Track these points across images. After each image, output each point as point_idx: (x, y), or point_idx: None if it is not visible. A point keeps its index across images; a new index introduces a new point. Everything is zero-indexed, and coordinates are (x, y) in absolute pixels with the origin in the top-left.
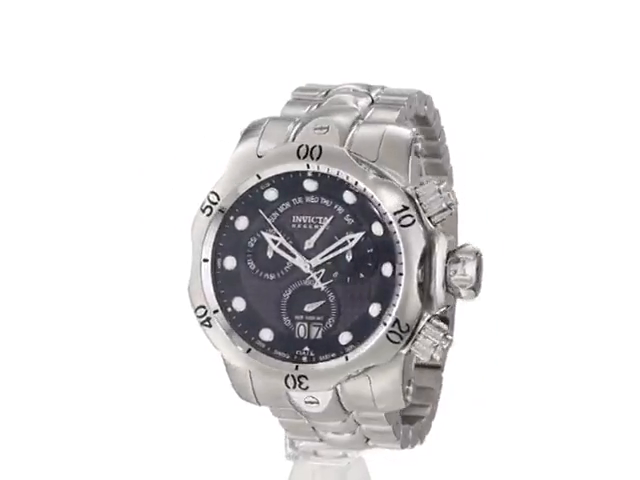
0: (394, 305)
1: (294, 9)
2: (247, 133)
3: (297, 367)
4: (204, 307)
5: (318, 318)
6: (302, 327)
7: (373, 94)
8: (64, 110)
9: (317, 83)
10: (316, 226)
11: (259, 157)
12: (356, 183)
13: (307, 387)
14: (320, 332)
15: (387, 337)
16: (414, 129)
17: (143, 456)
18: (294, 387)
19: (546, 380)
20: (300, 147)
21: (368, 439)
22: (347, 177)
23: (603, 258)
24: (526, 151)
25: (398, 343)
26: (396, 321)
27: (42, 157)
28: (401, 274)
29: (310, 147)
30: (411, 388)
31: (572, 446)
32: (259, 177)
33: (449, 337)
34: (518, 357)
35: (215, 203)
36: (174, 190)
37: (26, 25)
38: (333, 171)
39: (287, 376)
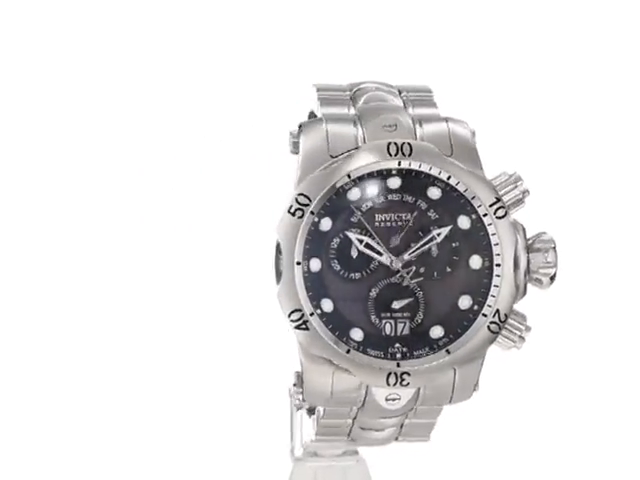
0: (493, 296)
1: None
2: (304, 135)
3: (398, 364)
4: (300, 310)
5: (405, 314)
6: (388, 325)
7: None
8: (75, 113)
9: (331, 83)
10: (400, 223)
11: (333, 157)
12: (448, 178)
13: (408, 383)
14: (408, 328)
15: (488, 328)
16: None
17: (144, 456)
18: (394, 384)
19: (544, 381)
20: (389, 145)
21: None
22: (439, 172)
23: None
24: (525, 144)
25: (497, 333)
26: (497, 312)
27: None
28: (498, 265)
29: (400, 144)
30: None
31: (572, 447)
32: (349, 177)
33: (529, 325)
34: (516, 355)
35: (306, 205)
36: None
37: (28, 26)
38: (425, 167)
39: (389, 374)
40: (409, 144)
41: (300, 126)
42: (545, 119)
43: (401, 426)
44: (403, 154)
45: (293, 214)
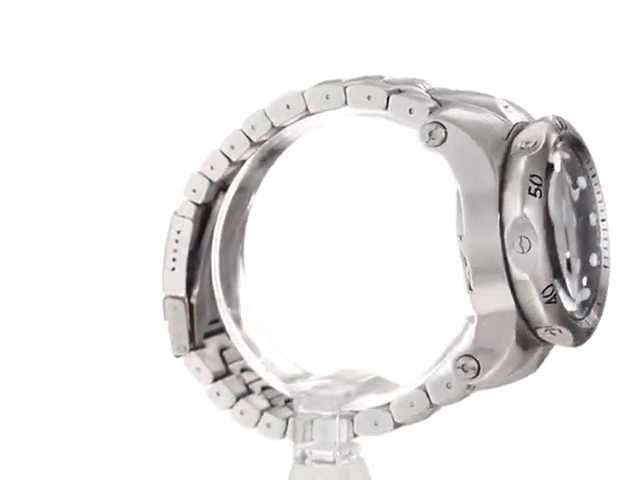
0: (605, 248)
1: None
2: (461, 124)
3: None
4: (552, 286)
5: None
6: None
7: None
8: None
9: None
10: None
11: (505, 139)
12: None
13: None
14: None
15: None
16: None
17: (145, 456)
18: (583, 342)
19: (544, 382)
20: (553, 118)
21: None
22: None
23: None
24: None
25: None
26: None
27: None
28: (604, 220)
29: (555, 117)
30: None
31: (573, 449)
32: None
33: None
34: None
35: (540, 185)
36: None
37: (25, 25)
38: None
39: (587, 331)
40: (561, 118)
41: (435, 121)
42: None
43: None
44: (564, 127)
45: (534, 194)
